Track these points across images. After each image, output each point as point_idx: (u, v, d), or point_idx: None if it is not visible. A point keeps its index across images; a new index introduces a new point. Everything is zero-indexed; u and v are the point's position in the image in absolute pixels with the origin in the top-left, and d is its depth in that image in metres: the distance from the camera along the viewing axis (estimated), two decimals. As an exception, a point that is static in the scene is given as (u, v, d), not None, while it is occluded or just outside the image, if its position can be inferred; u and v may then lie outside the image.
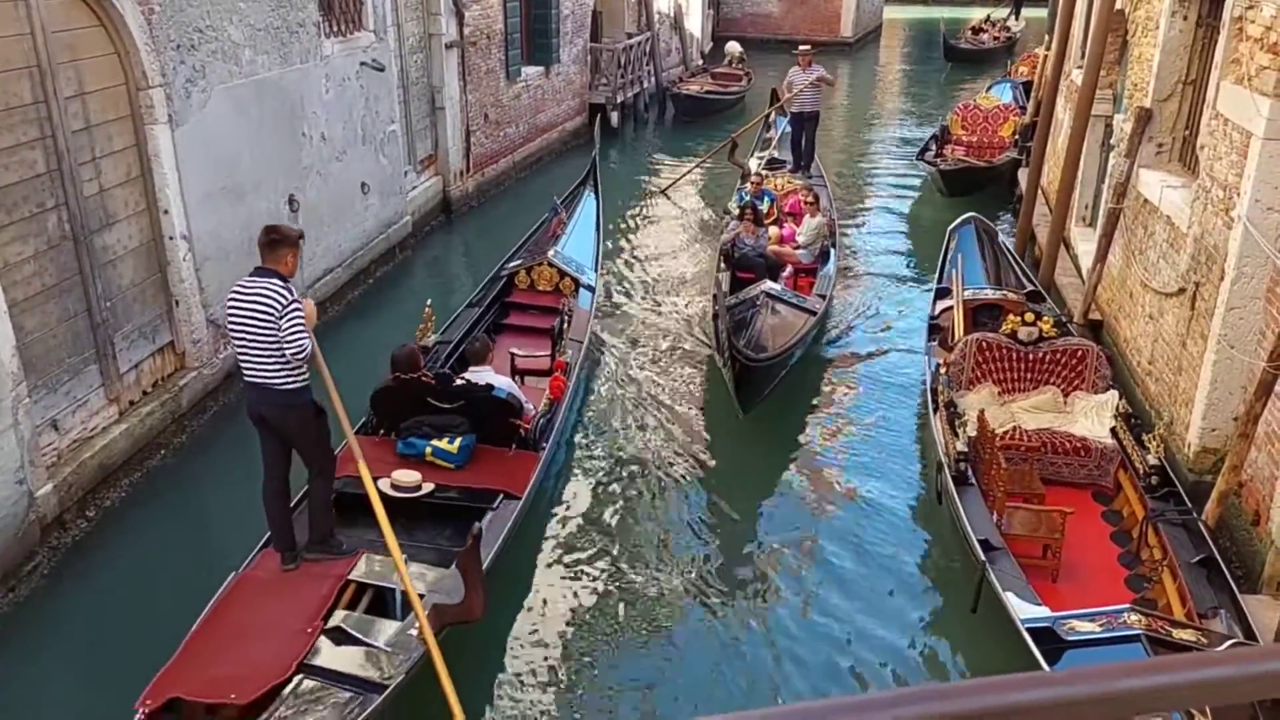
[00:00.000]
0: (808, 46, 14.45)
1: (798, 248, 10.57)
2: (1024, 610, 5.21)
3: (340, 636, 4.85)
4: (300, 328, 5.07)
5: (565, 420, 7.50)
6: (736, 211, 11.10)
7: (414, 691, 4.73)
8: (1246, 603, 5.21)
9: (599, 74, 19.23)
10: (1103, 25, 9.55)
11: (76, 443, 6.64)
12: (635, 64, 20.21)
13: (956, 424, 6.84)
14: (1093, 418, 7.13)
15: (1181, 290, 7.09)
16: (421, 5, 12.59)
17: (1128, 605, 5.19)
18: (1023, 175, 13.50)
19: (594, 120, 15.88)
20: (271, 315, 5.05)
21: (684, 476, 7.67)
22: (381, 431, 6.64)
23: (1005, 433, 6.90)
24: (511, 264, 9.68)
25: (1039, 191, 12.10)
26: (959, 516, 6.15)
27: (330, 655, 4.74)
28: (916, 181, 16.02)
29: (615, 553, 6.70)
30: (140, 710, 4.28)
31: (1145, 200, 8.18)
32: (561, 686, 5.52)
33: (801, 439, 8.29)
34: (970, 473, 6.48)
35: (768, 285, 8.93)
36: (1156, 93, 8.28)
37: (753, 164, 13.77)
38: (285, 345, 5.06)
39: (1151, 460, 6.34)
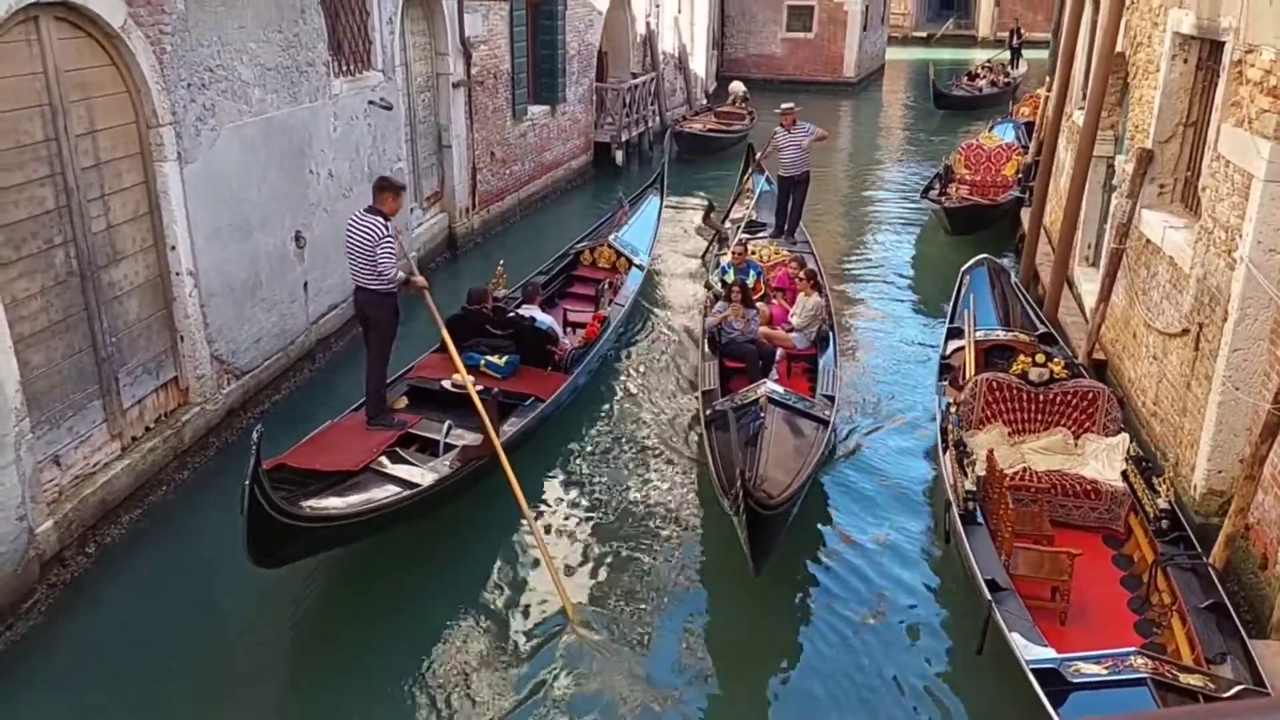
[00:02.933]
0: (790, 105, 12.79)
1: (790, 330, 9.28)
2: (1029, 651, 5.16)
3: (395, 458, 7.06)
4: (389, 256, 7.10)
5: (596, 360, 9.52)
6: (720, 288, 9.73)
7: (477, 498, 7.18)
8: (1255, 648, 5.16)
9: (605, 113, 19.41)
10: (1103, 68, 9.63)
11: (78, 479, 6.63)
12: (640, 103, 20.41)
13: (965, 463, 6.81)
14: (1103, 460, 7.10)
15: (1185, 331, 7.09)
16: (429, 45, 12.74)
17: (1134, 649, 5.14)
18: (1025, 214, 13.56)
19: (662, 137, 19.20)
20: (370, 240, 7.09)
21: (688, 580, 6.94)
22: (435, 347, 8.46)
23: (1015, 473, 6.87)
24: (579, 244, 11.97)
25: (1042, 231, 12.14)
26: (966, 556, 6.12)
27: (387, 466, 6.95)
28: (921, 219, 16.09)
29: (612, 467, 8.38)
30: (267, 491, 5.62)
31: (1148, 241, 8.21)
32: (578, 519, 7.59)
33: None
34: (978, 512, 6.44)
35: (769, 388, 7.56)
36: (1157, 134, 8.34)
37: (729, 227, 12.81)
38: (378, 265, 7.08)
39: (1162, 504, 6.29)
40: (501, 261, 10.37)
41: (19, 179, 6.04)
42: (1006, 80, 28.85)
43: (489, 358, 8.44)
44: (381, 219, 7.17)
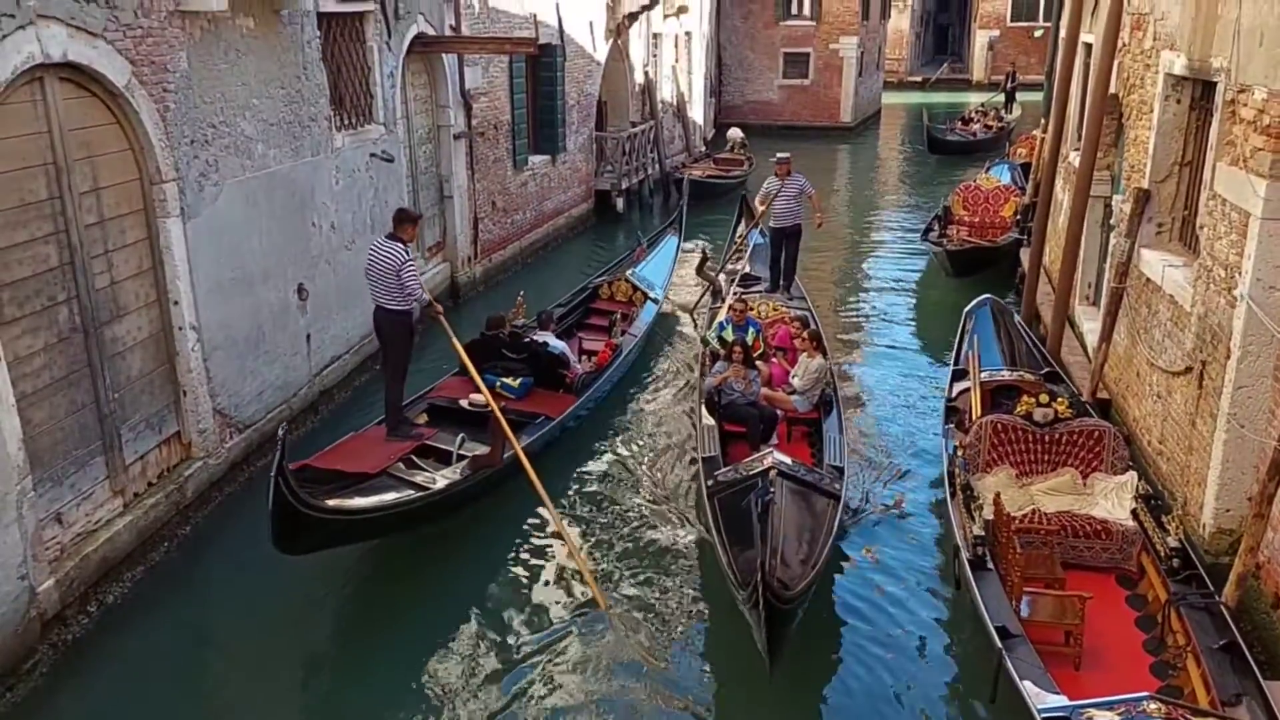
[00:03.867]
0: (785, 155, 12.35)
1: (792, 392, 8.92)
2: (1041, 699, 5.09)
3: (411, 465, 7.77)
4: (414, 278, 7.91)
5: (607, 385, 10.09)
6: (718, 345, 9.33)
7: (500, 500, 7.94)
8: (1271, 690, 5.08)
9: (604, 161, 19.58)
10: (1097, 109, 9.72)
11: (80, 536, 6.59)
12: (640, 151, 20.60)
13: (973, 508, 6.77)
14: (1113, 499, 7.05)
15: (1188, 369, 7.08)
16: (430, 98, 12.89)
17: (1148, 694, 5.05)
18: (1025, 255, 13.60)
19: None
20: (392, 265, 7.82)
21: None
22: (457, 371, 9.02)
23: (1024, 515, 6.82)
24: (597, 279, 12.70)
25: (1042, 271, 12.17)
26: (976, 603, 6.05)
27: (403, 471, 7.61)
28: (921, 261, 16.16)
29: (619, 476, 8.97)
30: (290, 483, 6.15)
31: (1147, 279, 8.22)
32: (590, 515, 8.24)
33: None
34: (987, 557, 6.38)
35: (776, 458, 6.98)
36: (1154, 174, 8.39)
37: (723, 279, 12.40)
38: (403, 286, 7.82)
39: (1172, 542, 6.24)
40: (521, 293, 11.08)
41: (23, 237, 6.08)
42: (1001, 125, 28.51)
43: (504, 379, 9.13)
44: (401, 246, 7.93)
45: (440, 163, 13.14)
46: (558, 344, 9.74)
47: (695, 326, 12.42)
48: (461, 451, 7.93)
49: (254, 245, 8.47)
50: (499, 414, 7.67)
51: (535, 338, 9.60)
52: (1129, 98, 9.48)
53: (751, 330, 9.71)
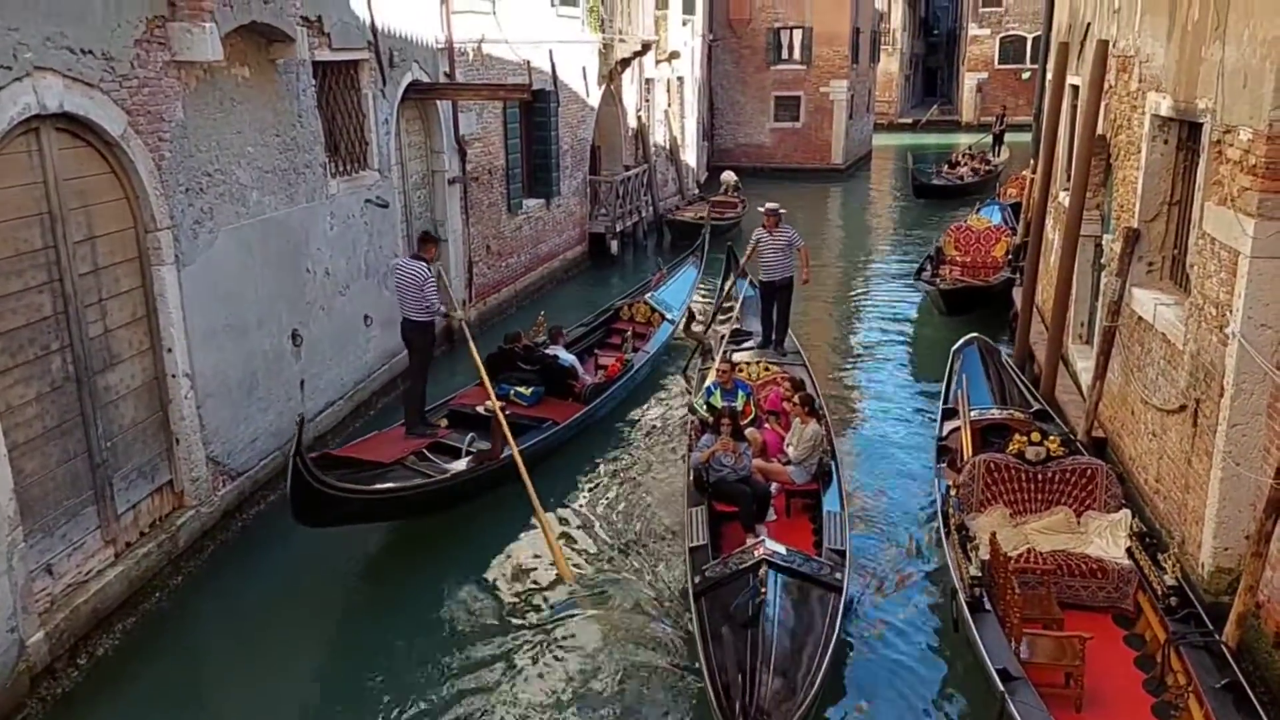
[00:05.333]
0: (775, 205, 11.88)
1: (787, 462, 8.30)
2: (1045, 744, 5.02)
3: (423, 458, 8.71)
4: (434, 291, 9.05)
5: (619, 394, 10.98)
6: (705, 412, 8.86)
7: (493, 506, 8.61)
8: (1276, 731, 5.02)
9: (599, 204, 19.71)
10: (1085, 150, 9.82)
11: (71, 587, 6.53)
12: (633, 194, 20.75)
13: (969, 548, 6.73)
14: (1107, 538, 7.02)
15: (1182, 407, 7.08)
16: (425, 144, 12.99)
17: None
18: (1017, 294, 13.67)
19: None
20: (415, 280, 8.95)
21: None
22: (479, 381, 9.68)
23: (1019, 555, 6.78)
24: (619, 301, 13.66)
25: (1035, 310, 12.22)
26: (976, 645, 5.99)
27: (415, 463, 8.56)
28: (914, 301, 16.22)
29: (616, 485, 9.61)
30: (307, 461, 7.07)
31: (1139, 318, 8.25)
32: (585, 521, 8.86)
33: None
34: (985, 598, 6.34)
35: (768, 547, 6.49)
36: (1143, 213, 8.45)
37: (712, 337, 11.93)
38: (425, 299, 8.96)
39: (1169, 581, 6.21)
40: (542, 313, 12.10)
41: (17, 287, 6.09)
42: (989, 168, 28.20)
43: (517, 388, 10.13)
44: (424, 264, 9.01)
45: (435, 208, 13.21)
46: (567, 357, 10.72)
47: (686, 388, 11.68)
48: (469, 448, 8.82)
49: (248, 292, 8.49)
50: (499, 414, 8.55)
51: (547, 351, 10.59)
52: (1116, 138, 9.58)
53: (741, 394, 9.20)
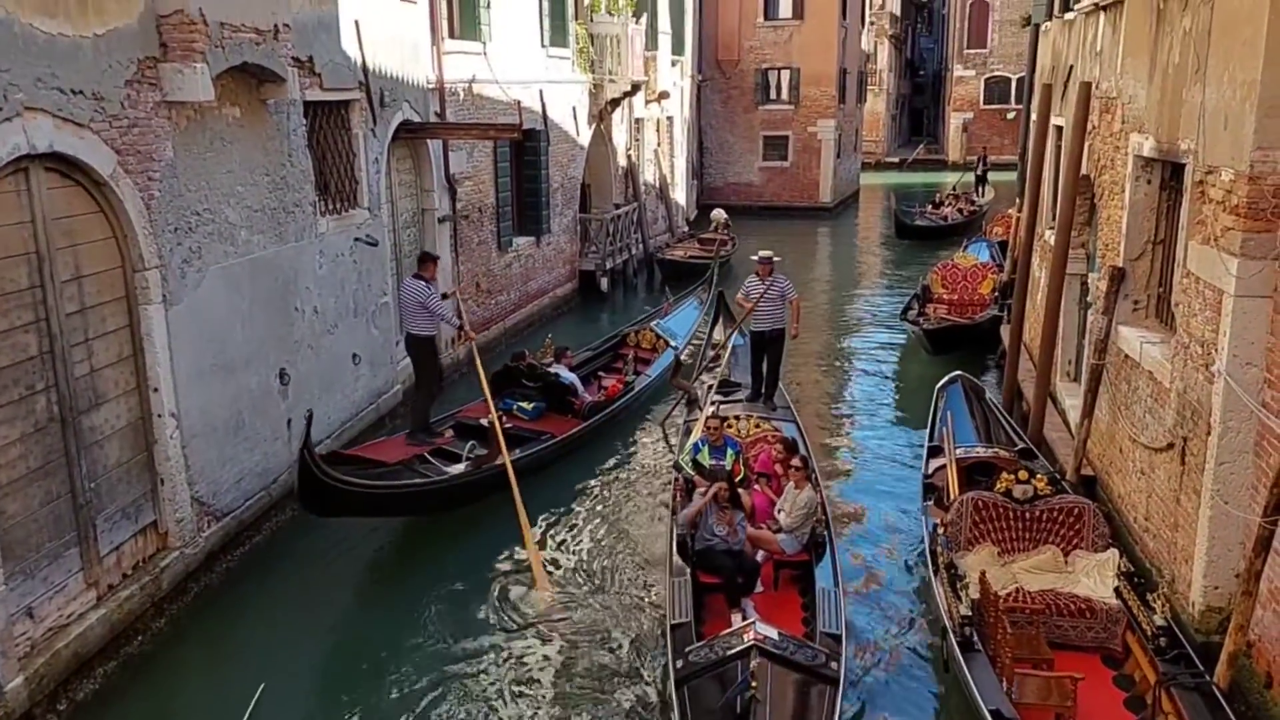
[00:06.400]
0: (768, 253, 11.34)
1: (778, 530, 7.73)
2: (1039, 787, 4.97)
3: (429, 459, 9.46)
4: (438, 305, 9.95)
5: (618, 412, 11.61)
6: (691, 470, 8.48)
7: (491, 510, 9.15)
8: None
9: (589, 242, 19.79)
10: (1070, 190, 9.92)
11: (51, 631, 6.43)
12: (623, 232, 20.85)
13: (958, 587, 6.70)
14: (1095, 577, 7.01)
15: (1170, 445, 7.09)
16: (415, 182, 13.05)
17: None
18: (1004, 331, 13.73)
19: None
20: (419, 296, 9.83)
21: None
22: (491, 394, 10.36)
23: (1008, 594, 6.76)
24: (627, 328, 14.50)
25: (1022, 347, 12.27)
26: (968, 686, 5.95)
27: (416, 465, 9.29)
28: (901, 339, 16.27)
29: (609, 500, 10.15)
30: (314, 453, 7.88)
31: (1126, 356, 8.29)
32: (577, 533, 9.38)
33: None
34: (976, 638, 6.30)
35: (759, 631, 5.87)
36: (1128, 252, 8.52)
37: (700, 388, 11.52)
38: (430, 314, 9.88)
39: (1158, 621, 6.18)
40: (550, 335, 13.01)
41: (3, 326, 6.06)
42: (973, 208, 28.00)
43: (520, 403, 11.01)
44: (424, 282, 9.89)
45: (424, 245, 13.22)
46: (568, 375, 11.50)
47: (667, 442, 11.38)
48: (469, 454, 9.48)
49: (236, 331, 8.47)
50: (496, 423, 9.27)
51: (550, 369, 11.39)
52: (1100, 178, 9.68)
53: (730, 451, 8.61)
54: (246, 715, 6.27)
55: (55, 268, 6.46)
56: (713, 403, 10.40)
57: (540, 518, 9.34)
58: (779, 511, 7.85)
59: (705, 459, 8.54)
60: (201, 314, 7.97)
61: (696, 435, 8.98)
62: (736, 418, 9.63)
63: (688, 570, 7.16)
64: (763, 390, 11.08)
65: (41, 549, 6.39)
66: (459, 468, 9.30)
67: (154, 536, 7.57)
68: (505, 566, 8.59)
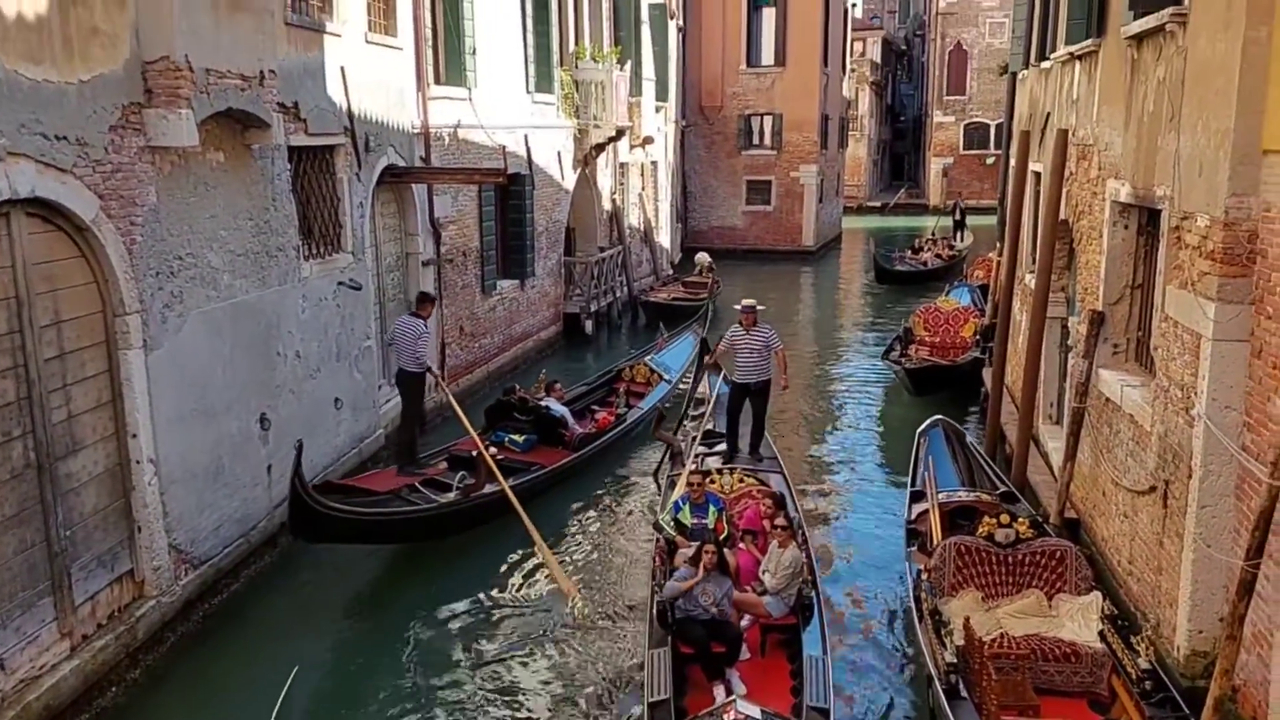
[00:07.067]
0: (752, 302, 10.86)
1: (763, 592, 7.38)
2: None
3: (418, 489, 9.77)
4: (425, 345, 10.45)
5: (605, 445, 11.92)
6: (672, 530, 8.10)
7: (481, 539, 9.60)
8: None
9: (573, 285, 19.84)
10: (1049, 235, 10.03)
11: (23, 683, 6.30)
12: (608, 275, 20.92)
13: (943, 633, 6.66)
14: (1079, 621, 6.98)
15: (1152, 488, 7.11)
16: (399, 226, 13.08)
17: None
18: (987, 374, 13.79)
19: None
20: (413, 334, 10.32)
21: None
22: (484, 427, 11.29)
23: (993, 640, 6.71)
24: (622, 363, 14.88)
25: (1004, 390, 12.33)
26: (953, 735, 5.89)
27: (406, 494, 9.61)
28: (883, 382, 16.32)
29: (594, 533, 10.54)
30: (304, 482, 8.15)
31: (1107, 399, 8.33)
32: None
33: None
34: (961, 686, 6.25)
35: (741, 710, 5.67)
36: (1106, 296, 8.60)
37: (682, 439, 10.98)
38: (417, 351, 10.29)
39: (1143, 665, 6.16)
40: (544, 371, 13.49)
41: (-21, 372, 6.00)
42: (952, 253, 28.02)
43: (512, 436, 11.40)
44: (421, 321, 10.42)
45: (408, 289, 13.23)
46: (559, 408, 11.86)
47: (659, 492, 10.45)
48: (458, 484, 9.79)
49: (217, 375, 8.42)
50: (484, 451, 9.60)
51: (541, 402, 11.76)
52: (1079, 223, 9.79)
53: (713, 509, 8.21)
54: None
55: (34, 313, 6.42)
56: (696, 455, 10.03)
57: (526, 549, 9.29)
58: (764, 572, 7.48)
59: (687, 517, 8.16)
60: (182, 359, 7.92)
61: (679, 492, 8.64)
62: (719, 471, 9.20)
63: (668, 640, 6.79)
64: (738, 448, 10.53)
65: (14, 599, 6.28)
66: (449, 497, 9.60)
67: (130, 585, 7.46)
68: (496, 595, 8.89)
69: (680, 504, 8.32)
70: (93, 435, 7.07)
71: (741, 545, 7.91)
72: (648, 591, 7.85)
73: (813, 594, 7.39)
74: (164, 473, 7.66)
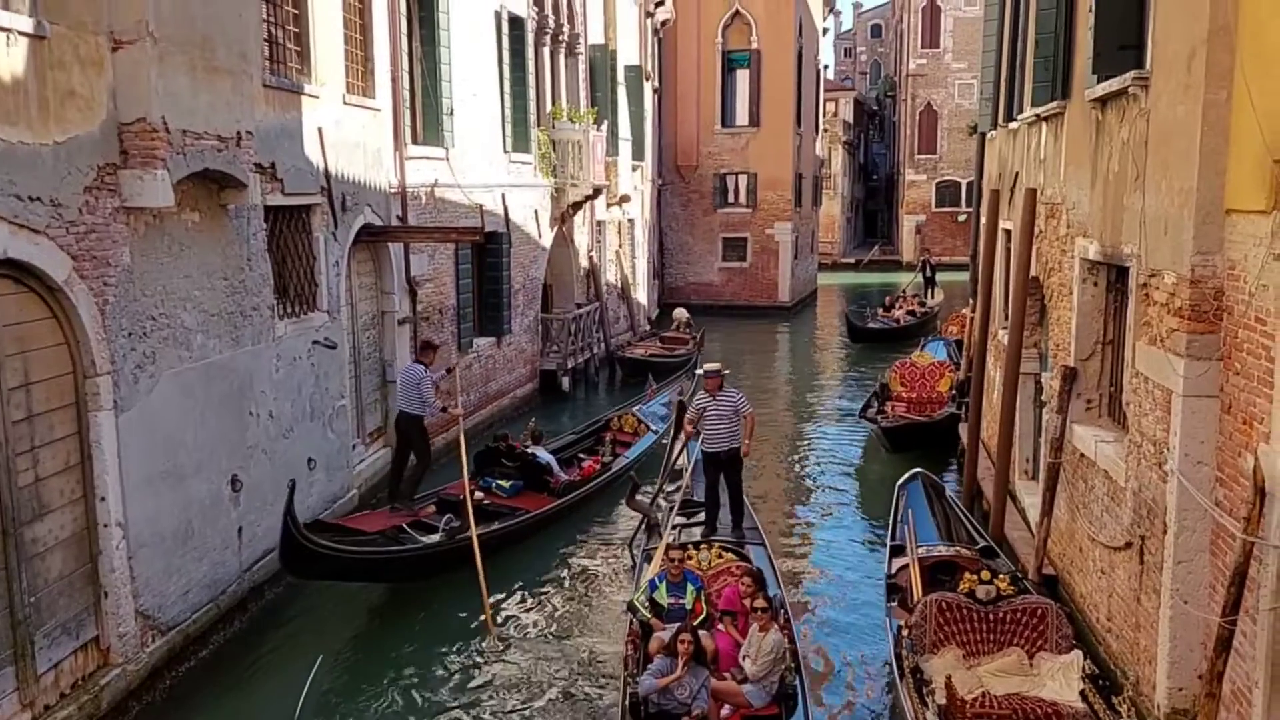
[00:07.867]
0: (716, 365, 10.32)
1: (743, 679, 6.99)
2: None
3: (406, 530, 10.09)
4: (430, 391, 10.86)
5: (590, 492, 12.38)
6: (647, 612, 7.66)
7: (453, 589, 9.82)
8: None
9: (550, 341, 19.84)
10: (1020, 292, 10.15)
11: (-20, 755, 6.12)
12: (585, 331, 20.95)
13: (925, 692, 6.59)
14: (1060, 680, 6.94)
15: (1128, 544, 7.12)
16: (375, 285, 13.07)
17: None
18: (963, 429, 13.84)
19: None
20: (412, 380, 10.82)
21: None
22: (473, 472, 11.09)
23: (974, 699, 6.65)
24: (610, 413, 15.47)
25: (980, 445, 12.36)
26: (936, 798, 5.79)
27: (396, 535, 10.01)
28: (860, 437, 16.34)
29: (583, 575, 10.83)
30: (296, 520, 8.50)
31: (1081, 454, 8.37)
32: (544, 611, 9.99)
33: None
34: (942, 747, 6.17)
35: None
36: (1078, 353, 8.68)
37: (660, 509, 10.41)
38: (421, 397, 10.77)
39: (1124, 724, 6.11)
40: (534, 419, 13.86)
41: (-56, 436, 5.90)
42: (924, 310, 28.14)
43: (499, 482, 11.84)
44: (423, 368, 10.90)
45: (384, 347, 13.20)
46: (545, 455, 12.27)
47: (632, 566, 10.08)
48: (445, 526, 9.99)
49: (188, 436, 8.31)
50: (468, 496, 9.88)
51: (528, 449, 12.20)
52: (1049, 280, 9.92)
53: (691, 588, 7.77)
54: None
55: (3, 375, 6.35)
56: (674, 526, 9.51)
57: (515, 586, 10.26)
58: (744, 658, 7.07)
59: (663, 597, 7.73)
60: (153, 420, 7.82)
61: (654, 569, 8.20)
62: (697, 546, 8.80)
63: None
64: (716, 524, 9.95)
65: (-26, 668, 6.11)
66: (435, 538, 9.87)
67: (95, 652, 7.27)
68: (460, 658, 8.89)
69: (656, 582, 7.86)
70: (60, 499, 6.94)
71: (720, 627, 7.56)
72: (619, 667, 7.48)
73: (796, 681, 6.96)
74: (132, 536, 7.52)
